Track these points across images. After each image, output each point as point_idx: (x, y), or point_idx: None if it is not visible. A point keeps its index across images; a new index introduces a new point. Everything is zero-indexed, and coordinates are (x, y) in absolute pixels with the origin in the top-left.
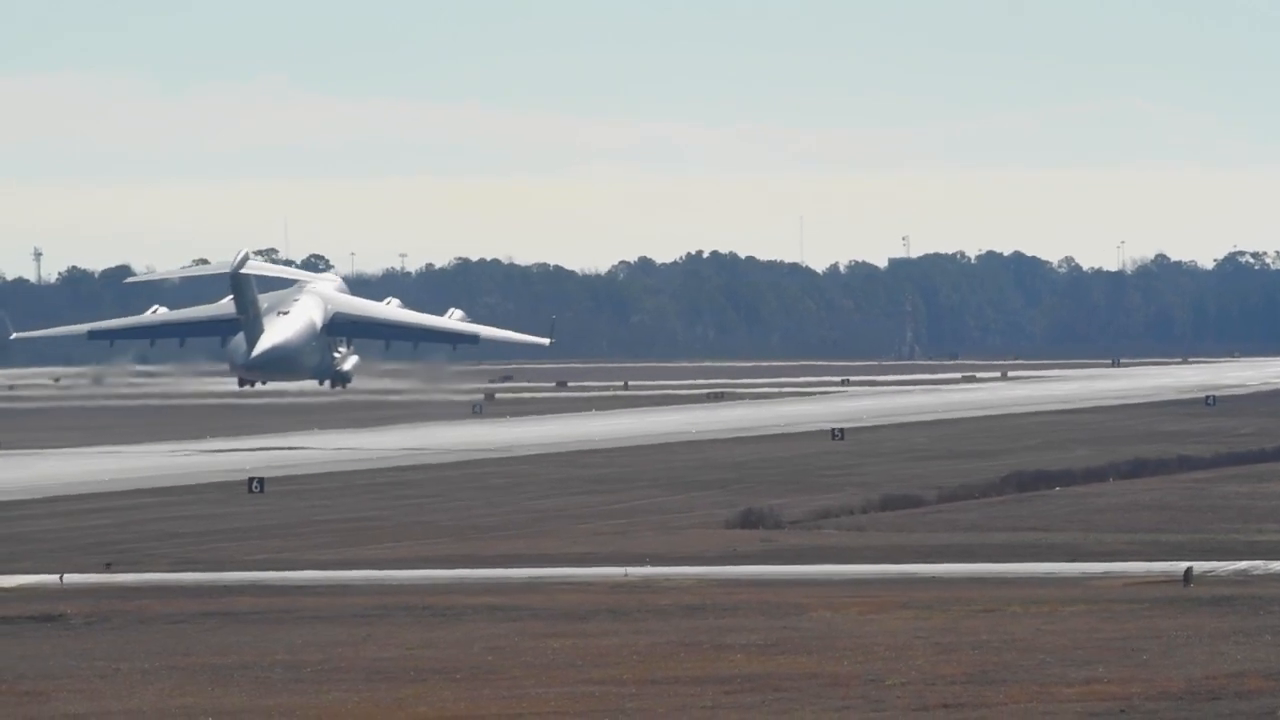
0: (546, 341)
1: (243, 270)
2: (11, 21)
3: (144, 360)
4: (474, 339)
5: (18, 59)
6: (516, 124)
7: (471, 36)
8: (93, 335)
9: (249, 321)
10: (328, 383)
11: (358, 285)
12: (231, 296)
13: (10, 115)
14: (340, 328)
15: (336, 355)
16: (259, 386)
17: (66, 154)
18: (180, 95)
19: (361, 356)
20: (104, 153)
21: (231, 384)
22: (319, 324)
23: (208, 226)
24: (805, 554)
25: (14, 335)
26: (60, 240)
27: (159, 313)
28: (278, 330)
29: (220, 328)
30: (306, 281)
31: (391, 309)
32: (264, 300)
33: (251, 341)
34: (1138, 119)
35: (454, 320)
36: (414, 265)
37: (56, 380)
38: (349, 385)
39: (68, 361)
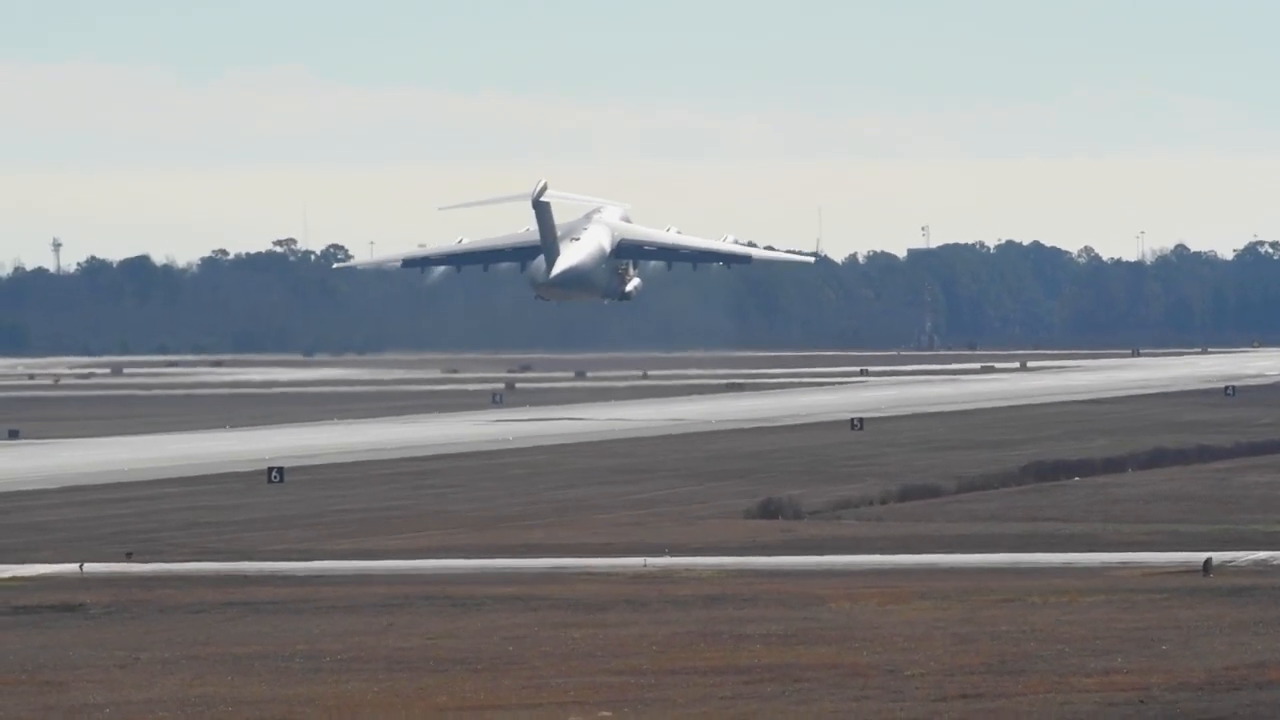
0: (811, 259)
1: (541, 199)
2: (30, 9)
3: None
4: (746, 259)
5: (36, 47)
6: (534, 112)
7: (488, 24)
8: (407, 264)
9: (547, 246)
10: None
11: (377, 277)
12: (529, 227)
13: (29, 103)
14: (626, 251)
15: (624, 277)
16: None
17: (85, 143)
18: (198, 84)
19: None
20: (123, 141)
21: (246, 374)
22: (607, 248)
23: (227, 215)
24: (825, 544)
25: (335, 266)
26: (79, 230)
27: (464, 242)
28: (572, 254)
29: (521, 254)
30: (596, 210)
31: (671, 235)
32: (559, 227)
33: (550, 263)
34: (1157, 107)
35: (728, 243)
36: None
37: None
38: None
39: (86, 351)
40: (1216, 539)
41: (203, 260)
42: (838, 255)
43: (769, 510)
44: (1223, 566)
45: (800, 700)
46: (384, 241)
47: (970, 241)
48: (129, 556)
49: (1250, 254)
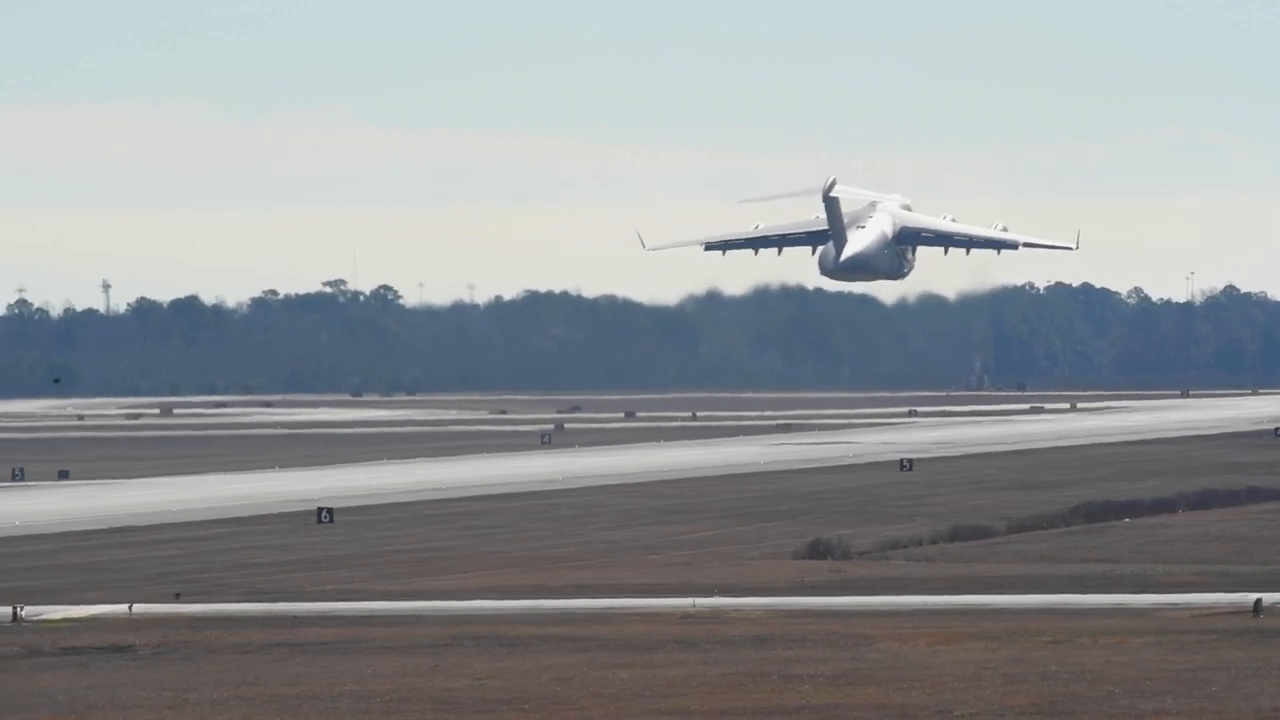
0: (1073, 246)
1: (831, 193)
2: (77, 50)
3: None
4: (1014, 245)
5: (83, 87)
6: (584, 152)
7: (535, 65)
8: (708, 247)
9: (836, 234)
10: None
11: (426, 317)
12: (817, 214)
13: (78, 144)
14: (905, 238)
15: (904, 260)
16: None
17: (134, 183)
18: (247, 125)
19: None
20: (172, 182)
21: (296, 415)
22: (889, 235)
23: (277, 256)
24: (874, 585)
25: (649, 248)
26: (129, 271)
27: (760, 227)
28: (857, 240)
29: (812, 238)
30: (879, 200)
31: (946, 222)
32: (846, 216)
33: (838, 250)
34: (1206, 147)
35: (996, 230)
36: (482, 297)
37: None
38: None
39: (136, 392)
40: (1267, 580)
41: (252, 301)
42: (887, 297)
43: (818, 551)
44: (1273, 607)
45: None
46: (432, 284)
47: (1019, 282)
48: (178, 597)
49: None
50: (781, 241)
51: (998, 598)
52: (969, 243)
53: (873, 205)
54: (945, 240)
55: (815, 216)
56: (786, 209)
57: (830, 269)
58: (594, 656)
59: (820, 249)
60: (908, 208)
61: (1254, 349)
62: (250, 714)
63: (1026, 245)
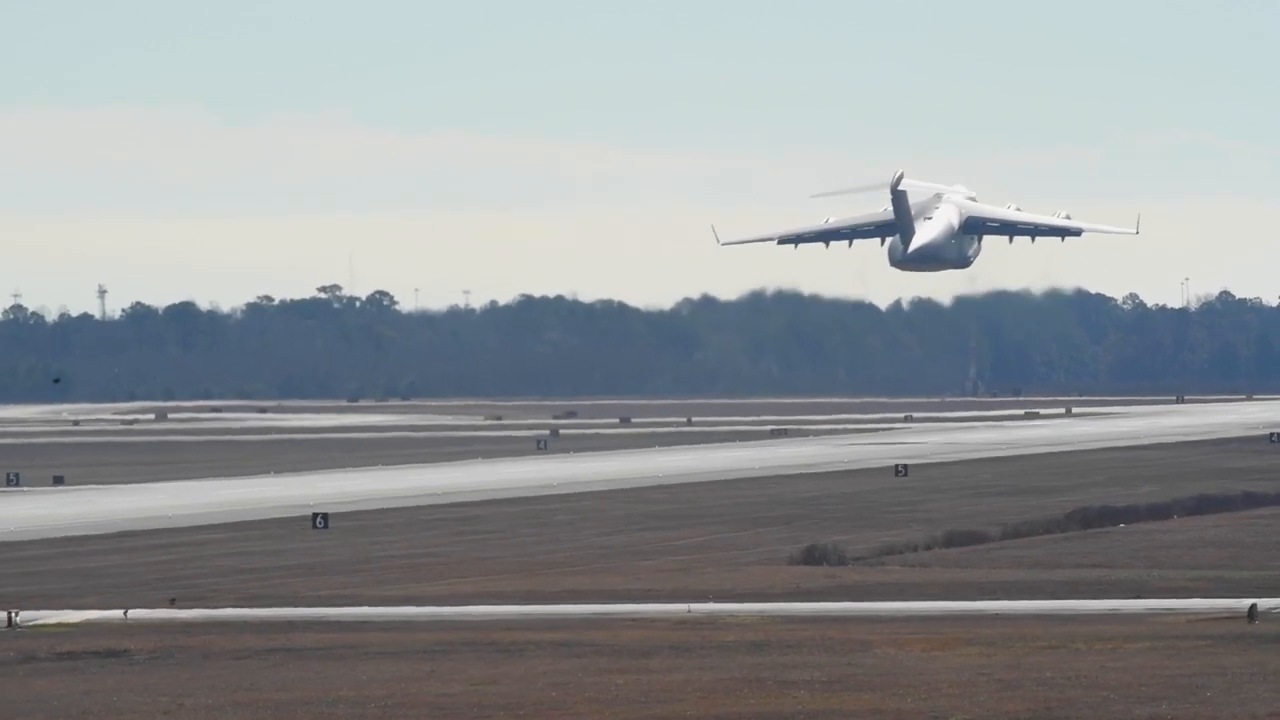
0: (1135, 231)
1: (899, 187)
2: (74, 53)
3: None
4: (1078, 233)
5: (80, 91)
6: (581, 158)
7: (533, 71)
8: (781, 241)
9: (903, 226)
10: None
11: (422, 322)
12: (885, 207)
13: (73, 150)
14: (972, 227)
15: (969, 251)
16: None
17: (130, 189)
18: (243, 130)
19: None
20: (167, 187)
21: (291, 420)
22: (955, 225)
23: (272, 261)
24: (869, 590)
25: (723, 243)
26: (124, 276)
27: (830, 220)
28: (925, 232)
29: (882, 230)
30: (944, 192)
31: (1011, 211)
32: (913, 208)
33: (905, 242)
34: (1202, 153)
35: (1060, 218)
36: (478, 302)
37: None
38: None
39: (131, 397)
40: (1262, 585)
41: (248, 306)
42: (883, 301)
43: (813, 556)
44: (1268, 613)
45: None
46: (428, 288)
47: (1015, 288)
48: (173, 602)
49: None
50: (852, 234)
51: (993, 603)
52: (1034, 231)
53: (938, 196)
54: (1010, 229)
55: (884, 209)
56: (848, 204)
57: (899, 260)
58: (589, 662)
59: (889, 241)
60: (973, 198)
61: (1249, 355)
62: (245, 719)
63: (1091, 232)
